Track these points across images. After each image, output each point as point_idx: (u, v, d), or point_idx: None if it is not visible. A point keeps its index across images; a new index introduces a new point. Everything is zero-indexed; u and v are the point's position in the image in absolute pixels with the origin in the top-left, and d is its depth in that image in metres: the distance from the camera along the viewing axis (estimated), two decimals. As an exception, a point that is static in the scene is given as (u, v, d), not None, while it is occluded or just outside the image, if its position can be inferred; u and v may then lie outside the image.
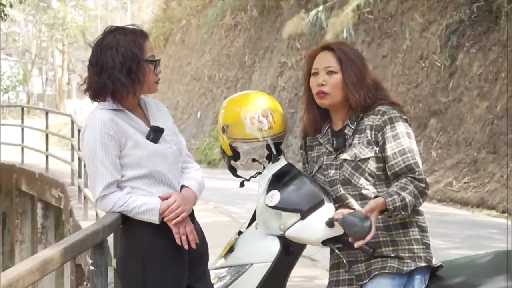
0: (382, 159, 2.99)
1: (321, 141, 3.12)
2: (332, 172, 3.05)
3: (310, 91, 3.11)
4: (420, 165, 2.98)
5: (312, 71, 3.09)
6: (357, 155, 3.00)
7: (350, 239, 2.87)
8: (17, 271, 2.16)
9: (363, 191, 2.99)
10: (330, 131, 3.11)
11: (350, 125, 3.05)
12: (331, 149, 3.08)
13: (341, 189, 3.03)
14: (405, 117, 3.04)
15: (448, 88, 12.37)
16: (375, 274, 2.97)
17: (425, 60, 13.20)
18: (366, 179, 2.99)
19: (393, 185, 2.95)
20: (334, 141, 3.07)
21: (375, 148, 2.99)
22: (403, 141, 2.98)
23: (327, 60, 3.06)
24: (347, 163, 3.01)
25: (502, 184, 10.34)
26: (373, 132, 3.00)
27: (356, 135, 3.03)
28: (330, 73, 3.04)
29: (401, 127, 2.99)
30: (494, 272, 3.05)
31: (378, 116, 3.01)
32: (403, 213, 2.90)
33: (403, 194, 2.89)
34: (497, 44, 11.70)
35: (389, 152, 2.97)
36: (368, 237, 2.81)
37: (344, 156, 3.03)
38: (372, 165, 2.99)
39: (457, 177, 11.26)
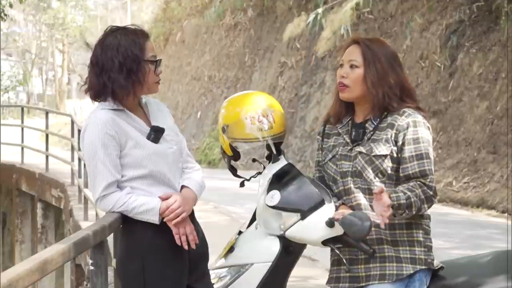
0: (396, 159, 2.99)
1: (340, 131, 3.12)
2: (346, 163, 3.04)
3: None
4: (433, 174, 2.98)
5: (340, 62, 3.11)
6: (373, 150, 2.99)
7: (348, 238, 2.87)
8: (17, 271, 2.16)
9: (373, 186, 2.98)
10: (350, 123, 3.12)
11: (373, 121, 3.05)
12: (348, 140, 3.08)
13: (351, 181, 3.02)
14: (428, 124, 3.04)
15: (448, 88, 12.37)
16: (374, 283, 2.97)
17: (425, 60, 13.20)
18: (377, 175, 2.98)
19: (400, 185, 2.95)
20: (353, 132, 3.07)
21: (392, 147, 2.98)
22: (422, 146, 2.97)
23: (352, 54, 3.07)
24: (361, 156, 3.01)
25: (502, 184, 10.33)
26: (394, 131, 3.00)
27: (377, 132, 3.02)
28: (353, 67, 3.05)
29: (423, 133, 2.99)
30: (494, 272, 3.05)
31: (403, 117, 3.00)
32: (407, 211, 2.90)
33: (409, 193, 2.89)
34: (497, 44, 11.70)
35: (406, 154, 2.97)
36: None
37: (360, 148, 3.02)
38: (385, 163, 2.98)
39: (457, 177, 11.26)
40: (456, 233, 8.35)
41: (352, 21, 14.06)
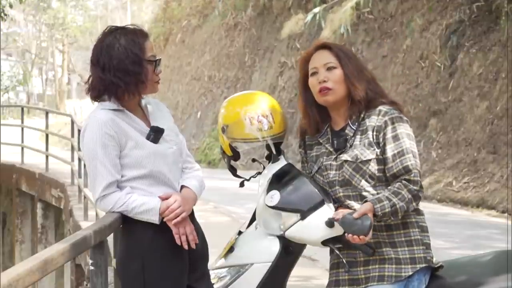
0: (382, 160, 2.98)
1: (321, 141, 3.10)
2: (332, 173, 3.03)
3: (307, 94, 3.09)
4: (418, 167, 2.97)
5: (311, 71, 3.06)
6: (358, 157, 2.98)
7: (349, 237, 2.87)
8: (17, 271, 2.16)
9: (364, 193, 2.98)
10: (329, 131, 3.09)
11: (351, 126, 3.03)
12: (331, 149, 3.06)
13: (340, 190, 3.01)
14: (405, 118, 3.03)
15: (448, 88, 12.37)
16: (373, 284, 2.97)
17: (425, 60, 13.20)
18: (366, 180, 2.98)
19: (386, 189, 2.94)
20: (335, 141, 3.05)
21: (376, 149, 2.98)
22: (402, 142, 2.96)
23: (325, 57, 3.04)
24: (348, 164, 3.00)
25: (502, 184, 10.33)
26: (374, 133, 2.99)
27: (357, 136, 3.01)
28: (330, 69, 3.02)
29: (401, 128, 2.98)
30: (494, 272, 3.05)
31: (380, 116, 2.99)
32: (392, 218, 2.91)
33: (394, 200, 2.88)
34: (497, 44, 11.70)
35: (389, 153, 2.96)
36: (367, 238, 2.82)
37: (345, 157, 3.01)
38: (373, 167, 2.98)
39: (457, 177, 11.26)
40: (456, 233, 8.35)
41: (352, 21, 14.07)
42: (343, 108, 3.06)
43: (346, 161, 3.00)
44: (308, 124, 3.13)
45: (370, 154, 2.98)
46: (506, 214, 9.66)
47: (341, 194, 3.01)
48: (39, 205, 14.09)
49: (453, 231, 8.39)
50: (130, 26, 3.10)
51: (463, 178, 11.16)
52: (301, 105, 3.14)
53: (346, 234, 2.88)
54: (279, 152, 3.26)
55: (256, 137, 3.18)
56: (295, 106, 16.83)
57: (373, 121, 3.00)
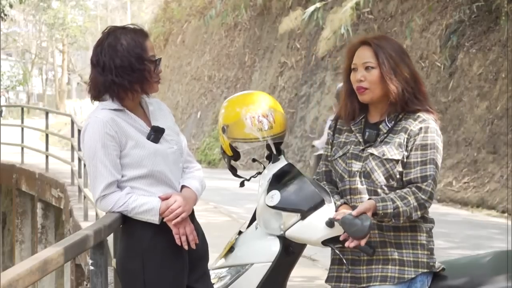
0: (405, 164, 2.98)
1: (353, 128, 3.10)
2: (356, 163, 3.02)
3: (349, 83, 3.09)
4: (435, 180, 2.96)
5: (352, 66, 3.07)
6: (385, 153, 2.97)
7: (347, 242, 2.87)
8: (17, 271, 2.15)
9: (379, 190, 2.97)
10: (364, 121, 3.09)
11: (387, 123, 3.03)
12: (360, 140, 3.06)
13: (359, 182, 3.00)
14: (440, 132, 3.02)
15: (448, 88, 12.37)
16: (375, 284, 2.96)
17: (425, 60, 13.20)
18: (386, 178, 2.97)
19: (393, 192, 2.94)
20: (366, 133, 3.05)
21: (404, 152, 2.97)
22: (429, 153, 2.95)
23: (365, 56, 3.04)
24: (373, 158, 2.99)
25: (502, 184, 10.34)
26: (406, 136, 2.98)
27: (390, 134, 3.01)
28: (368, 68, 3.02)
29: (433, 139, 2.97)
30: (494, 272, 3.05)
31: (416, 122, 2.98)
32: (393, 220, 2.90)
33: (398, 202, 2.88)
34: (497, 44, 11.70)
35: (412, 159, 2.96)
36: (365, 240, 2.82)
37: (372, 150, 3.00)
38: (396, 168, 2.96)
39: (457, 177, 11.26)
40: (456, 233, 8.35)
41: (352, 21, 14.06)
42: (380, 105, 3.05)
43: (372, 154, 3.00)
44: (345, 111, 3.12)
45: (397, 154, 2.97)
46: (506, 214, 9.67)
47: (358, 185, 3.00)
48: (39, 205, 14.09)
49: (453, 231, 8.39)
50: (130, 26, 3.11)
51: (463, 178, 11.16)
52: (344, 92, 3.14)
53: (345, 240, 2.88)
54: (279, 152, 3.26)
55: (257, 137, 3.18)
56: (295, 106, 16.84)
57: (409, 124, 2.99)
